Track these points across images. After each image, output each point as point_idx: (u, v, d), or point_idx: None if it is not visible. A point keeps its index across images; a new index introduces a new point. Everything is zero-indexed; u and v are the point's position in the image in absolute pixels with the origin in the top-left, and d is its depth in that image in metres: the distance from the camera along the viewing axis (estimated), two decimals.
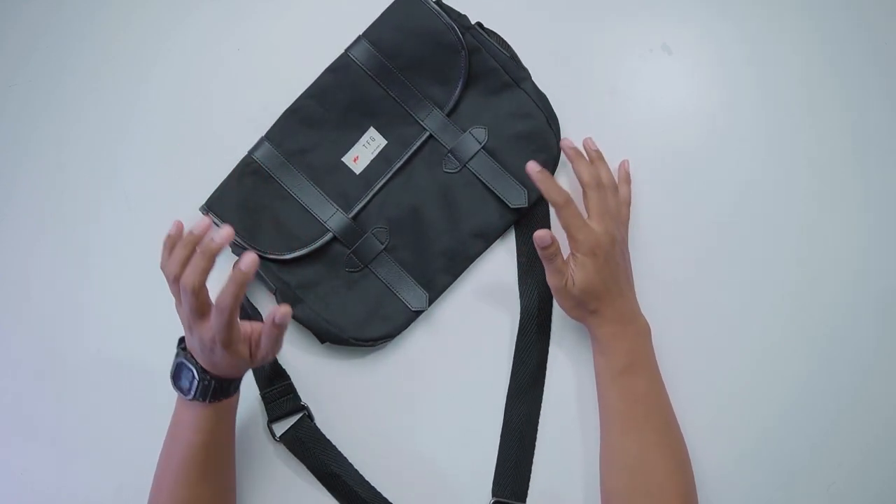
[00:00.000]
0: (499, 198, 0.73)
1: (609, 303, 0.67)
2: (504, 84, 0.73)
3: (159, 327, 0.74)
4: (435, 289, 0.73)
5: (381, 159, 0.73)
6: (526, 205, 0.73)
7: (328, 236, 0.72)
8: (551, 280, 0.67)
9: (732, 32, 0.77)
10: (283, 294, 0.71)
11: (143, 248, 0.77)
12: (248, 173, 0.73)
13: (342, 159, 0.73)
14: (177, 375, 0.62)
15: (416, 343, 0.74)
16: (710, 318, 0.73)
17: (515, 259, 0.75)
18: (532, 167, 0.64)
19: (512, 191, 0.73)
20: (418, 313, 0.73)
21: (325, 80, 0.73)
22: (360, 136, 0.73)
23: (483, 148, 0.73)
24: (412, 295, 0.72)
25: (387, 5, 0.74)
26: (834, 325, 0.73)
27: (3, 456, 0.75)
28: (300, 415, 0.72)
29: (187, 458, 0.62)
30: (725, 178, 0.75)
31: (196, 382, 0.61)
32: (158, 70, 0.79)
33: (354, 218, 0.73)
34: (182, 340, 0.64)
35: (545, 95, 0.74)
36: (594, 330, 0.68)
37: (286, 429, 0.72)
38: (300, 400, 0.73)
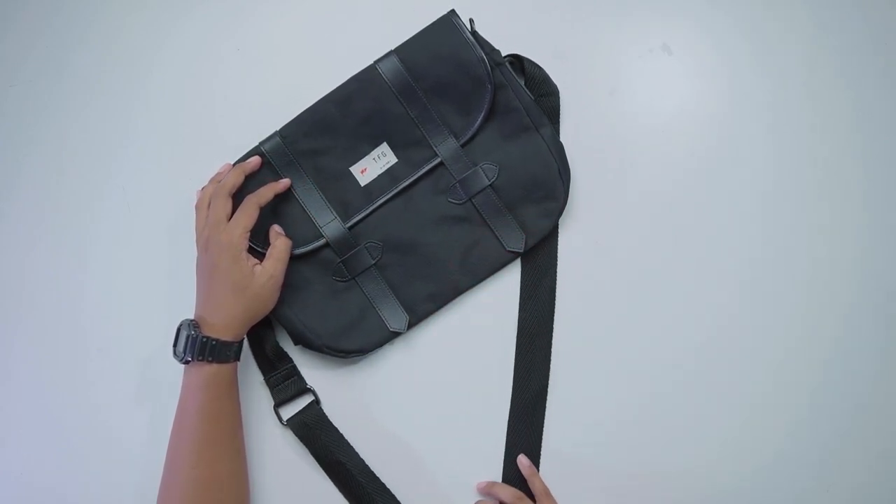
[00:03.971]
0: (497, 238, 0.73)
1: None
2: (524, 126, 0.73)
3: (160, 327, 0.75)
4: (416, 314, 0.73)
5: (388, 176, 0.73)
6: (522, 251, 0.72)
7: (321, 241, 0.72)
8: None
9: (733, 32, 0.77)
10: None
11: (143, 247, 0.77)
12: None
13: (350, 168, 0.73)
14: (176, 341, 0.66)
15: (420, 342, 0.74)
16: (712, 320, 0.73)
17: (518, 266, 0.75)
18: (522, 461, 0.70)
19: (511, 234, 0.72)
20: (396, 334, 0.72)
21: (349, 87, 0.72)
22: (372, 150, 0.73)
23: (491, 185, 0.72)
24: (393, 315, 0.72)
25: (387, 15, 0.74)
26: (837, 327, 0.73)
27: (2, 456, 0.75)
28: (309, 400, 0.73)
29: (196, 425, 0.64)
30: (726, 179, 0.75)
31: (190, 339, 0.64)
32: (158, 70, 0.79)
33: (350, 228, 0.73)
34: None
35: (562, 145, 0.73)
36: None
37: (293, 413, 0.72)
38: (305, 382, 0.73)
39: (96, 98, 0.79)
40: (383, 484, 0.71)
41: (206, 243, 0.67)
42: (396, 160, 0.73)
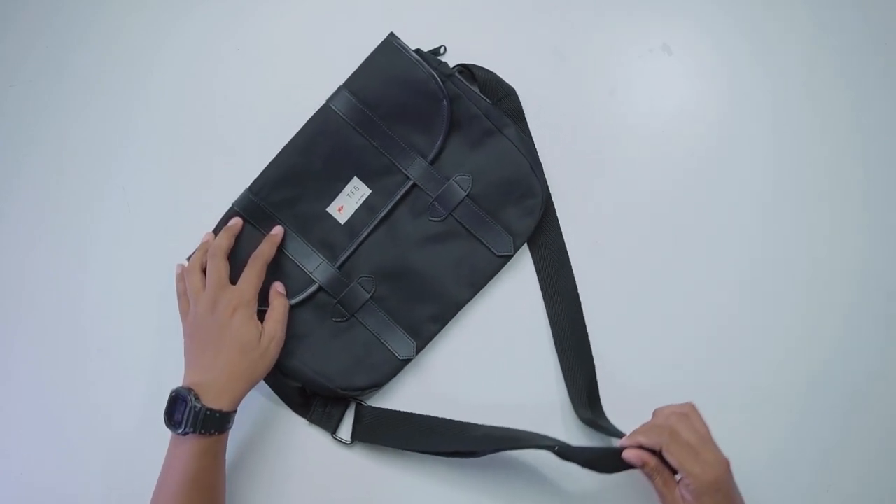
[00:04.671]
0: (485, 246, 0.72)
1: None
2: (486, 131, 0.72)
3: (160, 327, 0.75)
4: (422, 337, 0.72)
5: (366, 208, 0.73)
6: (513, 253, 0.72)
7: (314, 287, 0.72)
8: (661, 498, 0.62)
9: (733, 32, 0.77)
10: None
11: (142, 247, 0.77)
12: None
13: (327, 209, 0.73)
14: (170, 410, 0.63)
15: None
16: (712, 320, 0.73)
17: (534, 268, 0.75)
18: (630, 457, 0.61)
19: (498, 238, 0.72)
20: (406, 362, 0.72)
21: (308, 130, 0.72)
22: (344, 186, 0.73)
23: (468, 196, 0.72)
24: (400, 343, 0.72)
25: (387, 15, 0.74)
26: (837, 327, 0.73)
27: (3, 456, 0.75)
28: (353, 406, 0.72)
29: (178, 493, 0.62)
30: (726, 179, 0.75)
31: (188, 410, 0.62)
32: (158, 70, 0.79)
33: (340, 268, 0.72)
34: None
35: (528, 140, 0.73)
36: None
37: (352, 429, 0.72)
38: (343, 398, 0.72)
39: (96, 98, 0.79)
40: (473, 424, 0.70)
41: (212, 305, 0.66)
42: (370, 191, 0.73)
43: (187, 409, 0.62)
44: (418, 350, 0.72)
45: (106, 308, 0.76)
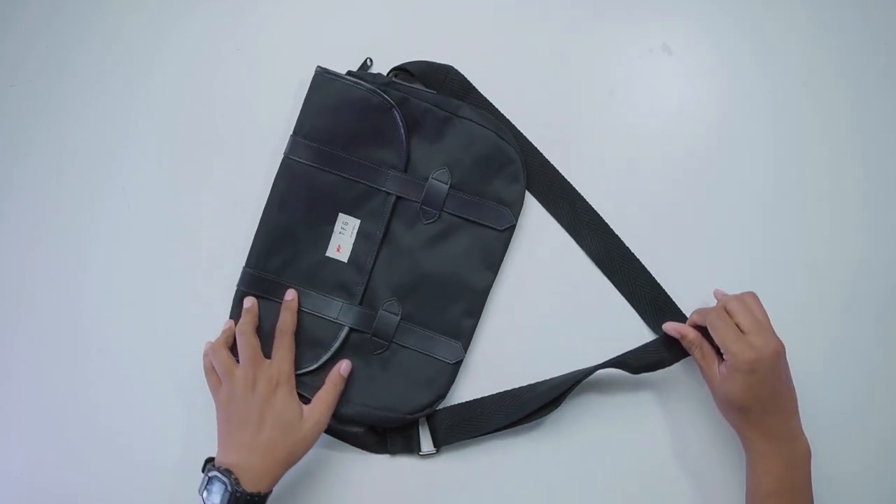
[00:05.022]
0: (486, 226, 0.73)
1: (760, 419, 0.63)
2: (443, 120, 0.72)
3: (160, 326, 0.75)
4: (464, 335, 0.72)
5: (362, 238, 0.73)
6: (515, 221, 0.73)
7: (345, 331, 0.72)
8: (701, 371, 0.67)
9: (733, 32, 0.77)
10: None
11: (143, 247, 0.77)
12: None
13: (326, 255, 0.73)
14: (208, 491, 0.62)
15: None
16: None
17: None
18: (668, 328, 0.69)
19: (495, 215, 0.72)
20: (459, 364, 0.72)
21: (279, 188, 0.73)
22: (333, 226, 0.73)
23: (451, 187, 0.72)
24: (446, 350, 0.72)
25: (386, 14, 0.73)
26: (837, 327, 0.73)
27: (3, 456, 0.75)
28: (425, 422, 0.73)
29: None
30: (726, 179, 0.75)
31: (232, 496, 0.60)
32: (158, 70, 0.79)
33: (361, 303, 0.72)
34: (209, 460, 0.64)
35: (485, 111, 0.74)
36: (743, 442, 0.66)
37: (433, 439, 0.72)
38: (414, 418, 0.72)
39: (96, 98, 0.79)
40: (542, 382, 0.72)
41: (251, 382, 0.66)
42: (360, 221, 0.73)
43: (226, 493, 0.61)
44: (465, 349, 0.72)
45: (106, 308, 0.76)
